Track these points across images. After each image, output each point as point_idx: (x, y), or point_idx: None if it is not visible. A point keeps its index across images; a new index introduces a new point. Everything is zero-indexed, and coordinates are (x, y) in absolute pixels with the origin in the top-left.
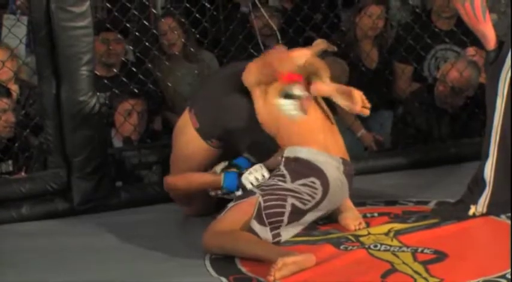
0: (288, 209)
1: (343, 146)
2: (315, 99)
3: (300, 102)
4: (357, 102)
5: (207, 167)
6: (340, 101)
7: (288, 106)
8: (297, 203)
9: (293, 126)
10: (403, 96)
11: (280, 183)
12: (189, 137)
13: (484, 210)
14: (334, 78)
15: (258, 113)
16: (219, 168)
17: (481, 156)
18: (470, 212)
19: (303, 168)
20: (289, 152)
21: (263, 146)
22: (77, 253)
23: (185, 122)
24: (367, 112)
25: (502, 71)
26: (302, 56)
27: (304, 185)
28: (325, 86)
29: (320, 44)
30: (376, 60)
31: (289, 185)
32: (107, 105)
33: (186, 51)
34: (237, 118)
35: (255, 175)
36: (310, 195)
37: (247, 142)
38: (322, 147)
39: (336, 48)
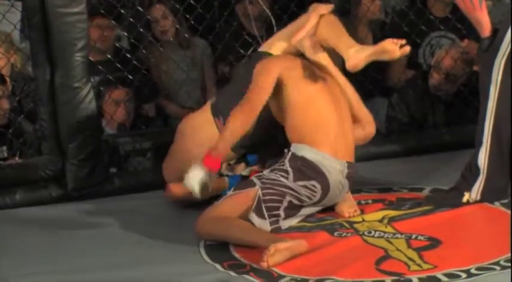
0: (285, 204)
1: (352, 145)
2: (332, 87)
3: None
4: (394, 50)
5: None
6: (380, 58)
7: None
8: (294, 201)
9: (306, 122)
10: (397, 84)
11: (282, 179)
12: (206, 140)
13: (478, 197)
14: None
15: (271, 107)
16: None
17: (475, 143)
18: (464, 199)
19: (306, 170)
20: (296, 148)
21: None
22: (71, 239)
23: (203, 122)
24: (407, 49)
25: (496, 58)
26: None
27: (304, 186)
28: (362, 57)
29: (318, 8)
30: None
31: (290, 183)
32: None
33: (179, 38)
34: (264, 128)
35: None
36: (308, 197)
37: (267, 150)
38: (330, 149)
39: (333, 6)
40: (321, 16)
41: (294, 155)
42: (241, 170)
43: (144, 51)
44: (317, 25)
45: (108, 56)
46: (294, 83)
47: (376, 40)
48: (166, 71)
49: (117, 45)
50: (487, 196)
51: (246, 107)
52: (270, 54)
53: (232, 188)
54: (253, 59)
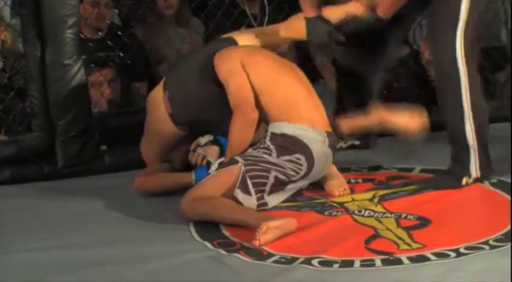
0: (271, 180)
1: (325, 116)
2: (295, 70)
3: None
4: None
5: (177, 142)
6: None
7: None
8: (281, 176)
9: (276, 103)
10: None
11: (265, 156)
12: (161, 115)
13: (479, 174)
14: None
15: None
16: (203, 140)
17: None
18: (463, 182)
19: (289, 144)
20: (274, 127)
21: None
22: (61, 216)
23: (158, 97)
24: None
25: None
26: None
27: (289, 161)
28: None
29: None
30: None
31: (274, 159)
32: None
33: (178, 16)
34: (210, 110)
35: None
36: (294, 171)
37: (221, 130)
38: (307, 121)
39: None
40: None
41: (273, 134)
42: (215, 153)
43: (137, 27)
44: None
45: (100, 33)
46: (254, 68)
47: None
48: (160, 47)
49: (108, 22)
50: (487, 170)
51: (242, 106)
52: (234, 40)
53: (215, 169)
54: (216, 44)
